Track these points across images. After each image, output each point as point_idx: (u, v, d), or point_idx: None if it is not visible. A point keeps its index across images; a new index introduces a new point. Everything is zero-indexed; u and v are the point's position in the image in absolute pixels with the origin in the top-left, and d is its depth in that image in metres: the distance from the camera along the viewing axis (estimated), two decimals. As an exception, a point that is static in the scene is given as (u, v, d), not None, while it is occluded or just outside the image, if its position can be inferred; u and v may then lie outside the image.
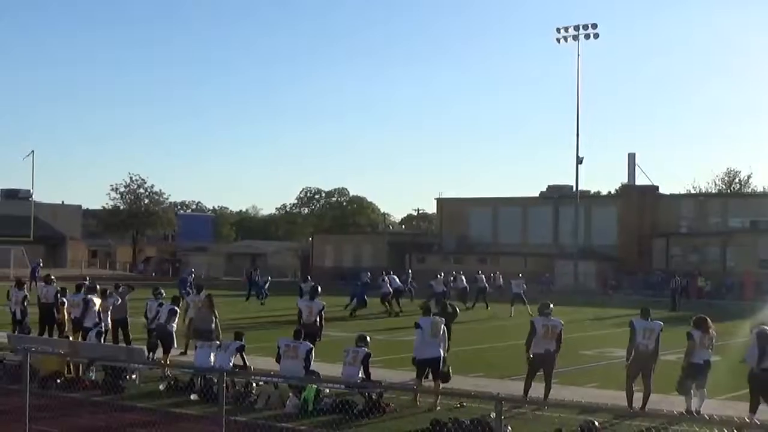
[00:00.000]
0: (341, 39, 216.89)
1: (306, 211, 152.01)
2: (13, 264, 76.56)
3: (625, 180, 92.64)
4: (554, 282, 74.44)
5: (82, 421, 17.08)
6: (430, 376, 19.65)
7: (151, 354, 24.29)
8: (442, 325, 20.11)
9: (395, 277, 48.36)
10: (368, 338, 20.12)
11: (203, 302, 25.88)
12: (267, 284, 54.94)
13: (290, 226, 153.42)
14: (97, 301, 25.90)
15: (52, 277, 29.58)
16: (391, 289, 45.78)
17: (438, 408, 18.60)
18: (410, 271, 60.79)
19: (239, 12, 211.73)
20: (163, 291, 27.00)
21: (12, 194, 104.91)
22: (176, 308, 24.76)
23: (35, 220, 74.27)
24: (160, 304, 25.54)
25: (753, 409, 16.75)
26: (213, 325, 24.41)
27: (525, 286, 46.26)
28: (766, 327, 17.28)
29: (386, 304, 45.18)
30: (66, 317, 27.52)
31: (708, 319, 18.52)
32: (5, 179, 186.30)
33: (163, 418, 17.38)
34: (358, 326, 34.40)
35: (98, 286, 27.69)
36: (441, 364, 19.80)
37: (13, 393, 17.36)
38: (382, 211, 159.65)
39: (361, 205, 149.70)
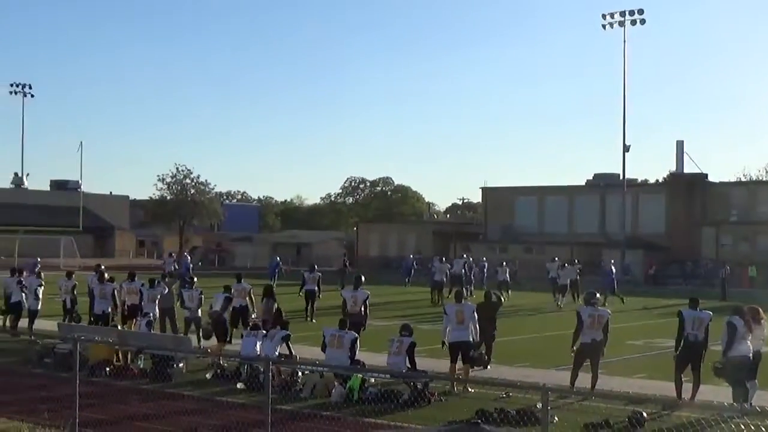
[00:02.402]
0: (387, 26, 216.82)
1: (351, 200, 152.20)
2: (62, 254, 77.32)
3: (673, 168, 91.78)
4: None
5: (130, 409, 17.21)
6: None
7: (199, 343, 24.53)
8: (471, 312, 20.44)
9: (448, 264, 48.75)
10: (412, 327, 20.16)
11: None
12: (278, 267, 55.92)
13: (335, 216, 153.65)
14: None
15: (102, 267, 29.80)
16: (443, 278, 45.61)
17: (471, 392, 18.91)
18: (464, 255, 60.33)
19: (281, 1, 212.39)
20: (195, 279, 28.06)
21: (61, 185, 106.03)
22: (231, 296, 24.83)
23: (84, 211, 74.98)
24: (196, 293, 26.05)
25: None
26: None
27: (578, 272, 45.99)
28: None
29: (435, 292, 44.99)
30: (117, 306, 27.72)
31: (759, 309, 18.29)
32: (55, 170, 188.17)
33: (210, 406, 17.50)
34: (402, 316, 34.40)
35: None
36: (470, 348, 20.24)
37: (63, 381, 17.56)
38: (426, 201, 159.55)
39: (405, 195, 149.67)
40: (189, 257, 52.29)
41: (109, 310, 26.58)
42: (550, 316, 39.07)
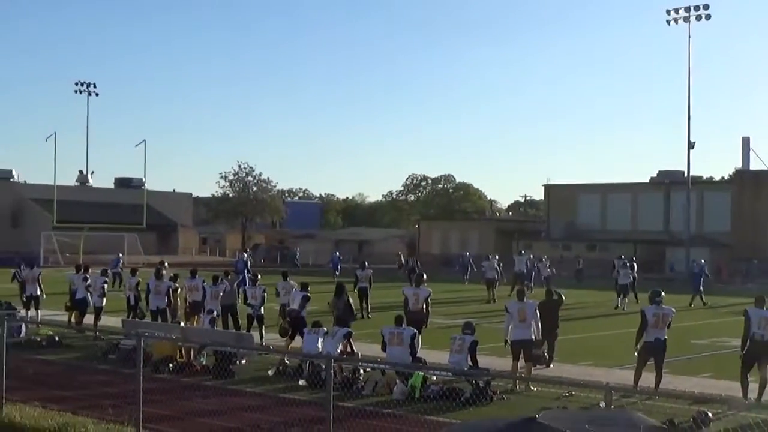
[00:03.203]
0: (448, 21, 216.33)
1: (412, 198, 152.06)
2: (126, 251, 78.15)
3: (739, 165, 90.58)
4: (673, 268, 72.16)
5: (192, 405, 17.32)
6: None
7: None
8: (533, 310, 20.49)
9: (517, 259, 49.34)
10: (474, 325, 20.11)
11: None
12: (297, 255, 57.12)
13: (396, 213, 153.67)
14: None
15: (166, 264, 30.03)
16: (495, 275, 45.96)
17: (533, 390, 18.92)
18: (522, 251, 60.18)
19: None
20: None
21: (125, 183, 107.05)
22: (309, 295, 24.81)
23: (147, 208, 75.68)
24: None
25: None
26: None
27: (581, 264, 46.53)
28: None
29: (491, 289, 45.15)
30: (179, 302, 27.99)
31: None
32: (119, 168, 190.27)
33: (272, 403, 17.59)
34: (464, 313, 34.31)
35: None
36: (532, 346, 20.24)
37: (127, 377, 17.73)
38: (488, 198, 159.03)
39: (467, 192, 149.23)
40: (246, 255, 52.44)
41: (164, 306, 26.81)
42: (613, 314, 38.68)
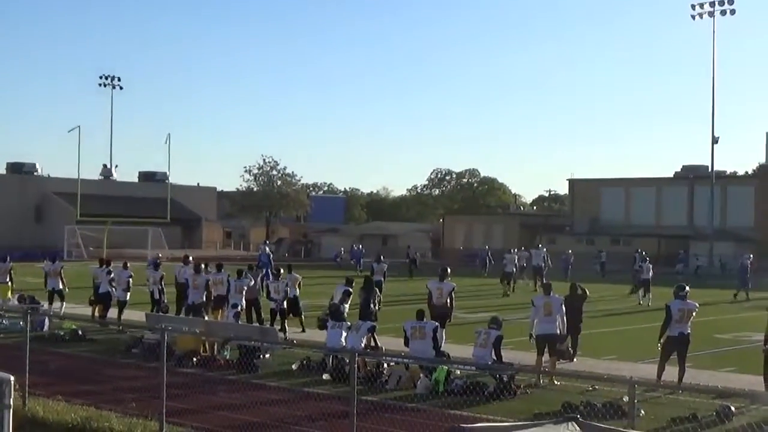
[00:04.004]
0: (474, 18, 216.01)
1: (437, 192, 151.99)
2: (150, 245, 78.41)
3: (763, 160, 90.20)
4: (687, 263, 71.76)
5: (216, 399, 17.39)
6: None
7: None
8: (559, 305, 20.53)
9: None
10: (501, 320, 20.09)
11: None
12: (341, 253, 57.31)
13: (421, 208, 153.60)
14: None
15: (190, 258, 30.11)
16: (514, 269, 46.54)
17: (557, 384, 18.93)
18: (539, 245, 60.21)
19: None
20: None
21: (149, 177, 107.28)
22: (350, 289, 24.74)
23: (172, 202, 75.82)
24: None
25: None
26: None
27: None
28: None
29: (505, 283, 45.76)
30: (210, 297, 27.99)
31: None
32: (143, 162, 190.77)
33: (296, 397, 17.61)
34: (489, 308, 34.29)
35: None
36: (559, 341, 20.32)
37: (151, 371, 17.82)
38: (512, 192, 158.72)
39: (492, 186, 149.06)
40: (267, 247, 52.29)
41: (204, 299, 26.78)
42: (637, 308, 38.58)
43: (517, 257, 48.15)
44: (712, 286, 45.16)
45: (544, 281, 47.19)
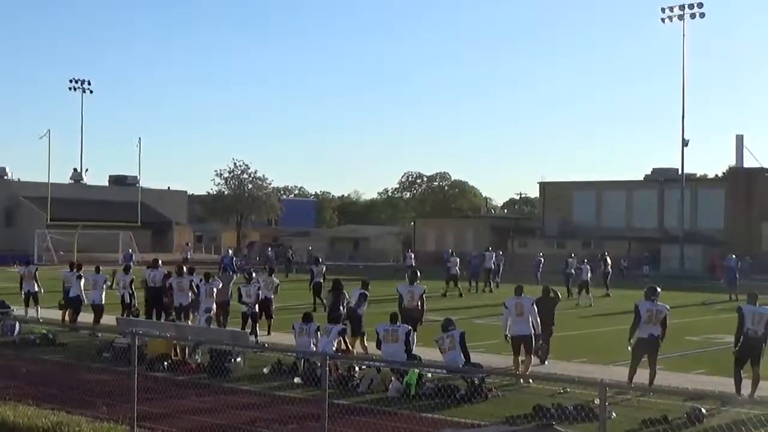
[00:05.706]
0: (444, 24, 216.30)
1: (408, 195, 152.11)
2: (121, 249, 78.00)
3: (733, 162, 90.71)
4: (659, 266, 72.20)
5: (188, 403, 17.31)
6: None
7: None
8: (531, 304, 20.78)
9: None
10: (453, 320, 20.29)
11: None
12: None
13: (392, 211, 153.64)
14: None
15: (160, 262, 30.01)
16: (457, 271, 47.23)
17: (530, 383, 19.11)
18: (489, 248, 60.49)
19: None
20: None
21: (120, 180, 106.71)
22: (366, 293, 24.65)
23: (142, 206, 75.49)
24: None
25: None
26: None
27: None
28: None
29: (449, 284, 46.39)
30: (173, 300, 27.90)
31: None
32: (113, 166, 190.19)
33: (267, 401, 17.56)
34: (457, 311, 34.29)
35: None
36: (532, 340, 20.58)
37: (121, 375, 17.70)
38: (483, 195, 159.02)
39: (462, 190, 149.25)
40: (231, 251, 52.40)
41: (190, 301, 26.67)
42: (608, 311, 38.67)
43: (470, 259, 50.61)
44: (684, 288, 45.29)
45: (497, 283, 49.31)
